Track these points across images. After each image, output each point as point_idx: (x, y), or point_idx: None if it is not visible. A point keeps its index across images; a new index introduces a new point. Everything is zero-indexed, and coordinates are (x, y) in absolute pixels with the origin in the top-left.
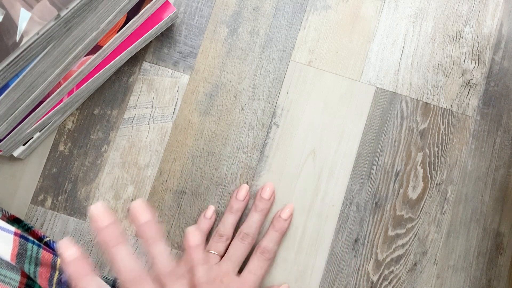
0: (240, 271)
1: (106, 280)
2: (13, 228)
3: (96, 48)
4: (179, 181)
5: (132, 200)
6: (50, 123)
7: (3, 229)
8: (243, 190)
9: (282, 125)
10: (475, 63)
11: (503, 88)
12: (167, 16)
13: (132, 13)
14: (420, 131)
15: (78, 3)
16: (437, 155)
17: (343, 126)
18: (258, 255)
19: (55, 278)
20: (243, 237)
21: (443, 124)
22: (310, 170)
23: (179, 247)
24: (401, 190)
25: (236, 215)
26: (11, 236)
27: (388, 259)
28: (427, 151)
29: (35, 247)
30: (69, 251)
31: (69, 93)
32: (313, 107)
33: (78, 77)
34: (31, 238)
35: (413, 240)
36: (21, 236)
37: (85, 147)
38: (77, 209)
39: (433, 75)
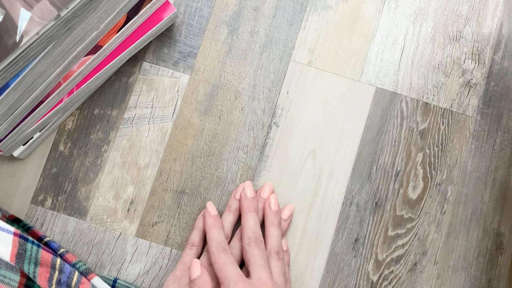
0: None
1: (106, 280)
2: (12, 228)
3: (96, 48)
4: (179, 181)
5: (132, 200)
6: (50, 123)
7: (3, 230)
8: (249, 187)
9: (282, 125)
10: (475, 63)
11: (503, 88)
12: (167, 16)
13: (132, 13)
14: (420, 131)
15: (78, 3)
16: (437, 155)
17: (343, 126)
18: (275, 257)
19: (55, 278)
20: (259, 243)
21: (443, 124)
22: (310, 170)
23: (179, 247)
24: (401, 190)
25: (235, 215)
26: (11, 237)
27: (388, 259)
28: (427, 151)
29: (35, 247)
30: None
31: (69, 93)
32: (313, 107)
33: (78, 77)
34: (30, 238)
35: (413, 240)
36: (20, 236)
37: (85, 147)
38: (77, 209)
39: (433, 75)
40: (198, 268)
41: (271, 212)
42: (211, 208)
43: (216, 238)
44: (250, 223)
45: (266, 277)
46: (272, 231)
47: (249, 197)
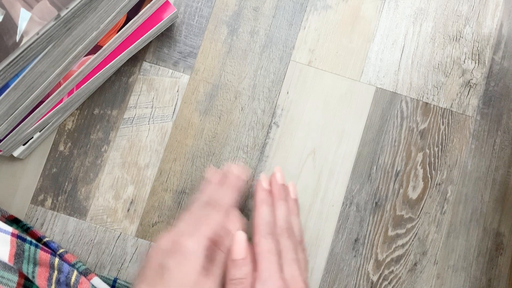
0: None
1: (106, 280)
2: (10, 229)
3: (96, 48)
4: (179, 181)
5: (132, 200)
6: (50, 123)
7: (0, 230)
8: (280, 173)
9: (282, 125)
10: (475, 63)
11: (503, 88)
12: (167, 16)
13: (132, 13)
14: (420, 131)
15: (78, 3)
16: (437, 155)
17: (343, 126)
18: (299, 247)
19: (54, 277)
20: (291, 234)
21: (443, 124)
22: (310, 170)
23: None
24: (401, 190)
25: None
26: (8, 237)
27: (388, 259)
28: (427, 151)
29: (33, 248)
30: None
31: (69, 93)
32: (313, 107)
33: (78, 77)
34: (28, 238)
35: (413, 240)
36: (18, 237)
37: (85, 147)
38: (77, 209)
39: (433, 75)
40: (243, 250)
41: (292, 200)
42: (265, 181)
43: (267, 217)
44: (282, 211)
45: (298, 274)
46: (294, 220)
47: (280, 184)
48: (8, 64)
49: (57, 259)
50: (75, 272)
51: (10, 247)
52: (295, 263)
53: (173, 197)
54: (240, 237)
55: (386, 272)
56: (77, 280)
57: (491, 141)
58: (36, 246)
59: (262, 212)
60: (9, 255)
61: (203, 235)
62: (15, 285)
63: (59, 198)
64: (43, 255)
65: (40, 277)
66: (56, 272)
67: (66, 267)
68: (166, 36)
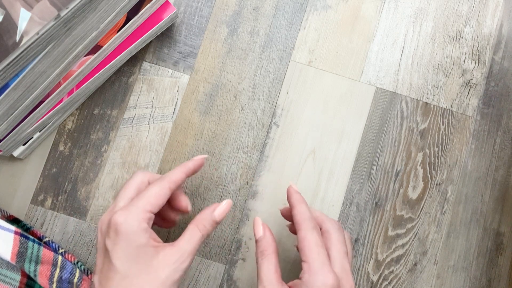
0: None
1: None
2: (13, 227)
3: (96, 48)
4: None
5: None
6: (50, 123)
7: (3, 228)
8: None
9: (282, 125)
10: (475, 63)
11: (503, 88)
12: (167, 16)
13: (132, 13)
14: (420, 131)
15: (78, 3)
16: (437, 155)
17: (343, 126)
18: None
19: (56, 275)
20: (339, 227)
21: (443, 124)
22: (310, 170)
23: None
24: (401, 190)
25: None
26: (12, 235)
27: (388, 259)
28: (427, 151)
29: (36, 246)
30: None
31: (69, 93)
32: (313, 107)
33: (78, 77)
34: (31, 237)
35: (413, 240)
36: (21, 235)
37: (85, 147)
38: (77, 209)
39: (433, 75)
40: (260, 228)
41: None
42: (295, 186)
43: (308, 213)
44: (305, 208)
45: (348, 268)
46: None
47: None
48: (8, 64)
49: (60, 257)
50: (78, 270)
51: (13, 245)
52: (346, 256)
53: None
54: (256, 220)
55: (386, 272)
56: (80, 277)
57: (491, 141)
58: (39, 244)
59: (302, 209)
60: (11, 254)
61: (141, 208)
62: (18, 284)
63: (59, 198)
64: (46, 252)
65: (41, 275)
66: (58, 270)
67: (69, 265)
68: (166, 36)
